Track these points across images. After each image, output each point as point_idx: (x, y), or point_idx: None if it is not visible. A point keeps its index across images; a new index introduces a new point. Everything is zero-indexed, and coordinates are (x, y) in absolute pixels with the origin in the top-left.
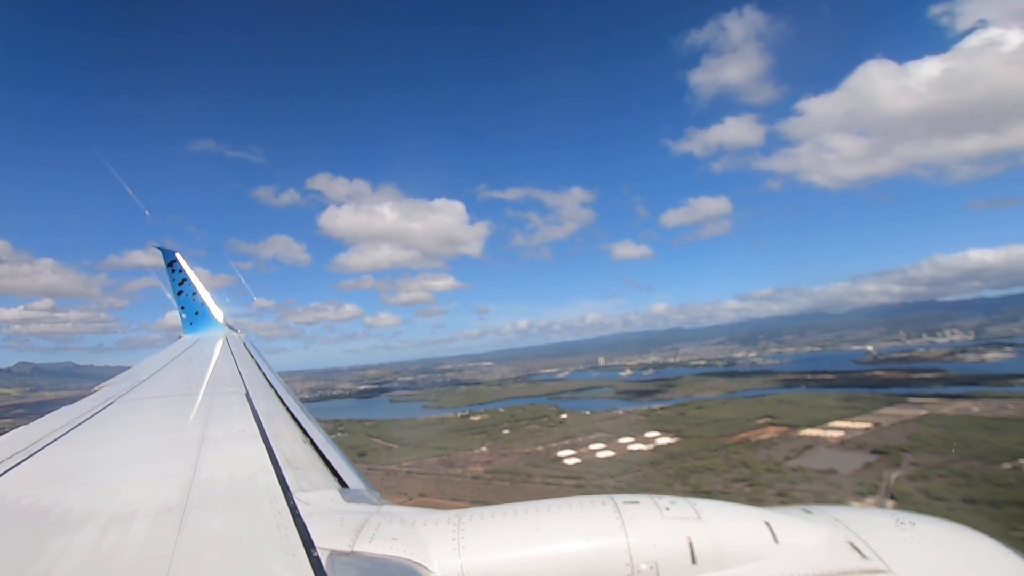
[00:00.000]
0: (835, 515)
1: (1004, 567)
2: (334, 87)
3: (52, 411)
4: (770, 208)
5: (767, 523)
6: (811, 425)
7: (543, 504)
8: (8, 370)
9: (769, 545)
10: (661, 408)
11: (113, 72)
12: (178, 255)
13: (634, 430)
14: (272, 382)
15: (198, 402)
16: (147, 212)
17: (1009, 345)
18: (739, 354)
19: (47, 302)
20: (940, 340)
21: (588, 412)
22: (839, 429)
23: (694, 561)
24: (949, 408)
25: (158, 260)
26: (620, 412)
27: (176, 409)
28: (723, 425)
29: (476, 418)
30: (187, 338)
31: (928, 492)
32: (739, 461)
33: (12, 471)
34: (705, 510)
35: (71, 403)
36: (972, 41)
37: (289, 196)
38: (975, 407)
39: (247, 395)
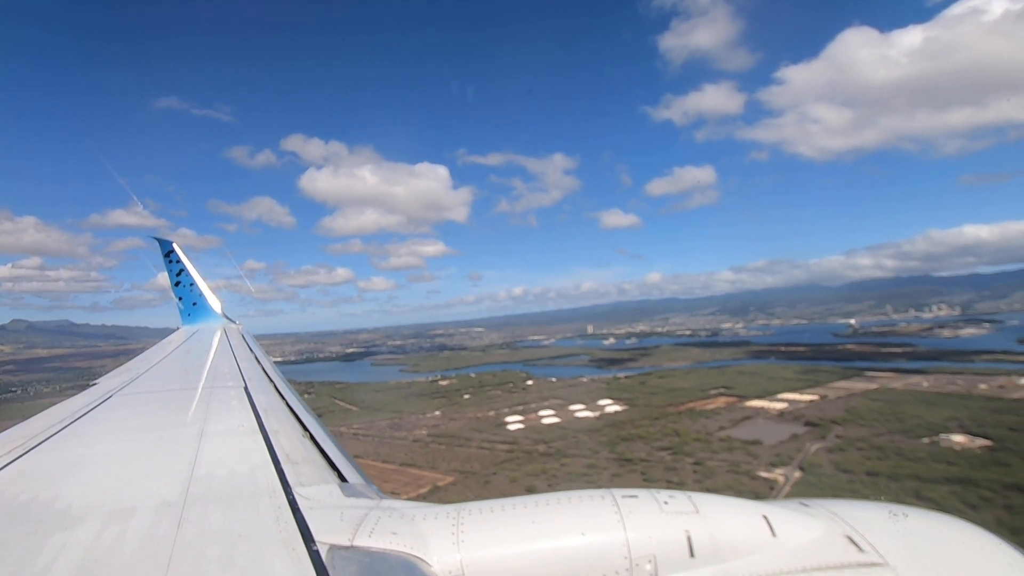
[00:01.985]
0: (832, 509)
1: (995, 557)
2: (300, 49)
3: (43, 368)
4: (758, 179)
5: (765, 517)
6: (761, 396)
7: (542, 498)
8: (2, 327)
9: (767, 539)
10: (626, 376)
11: (80, 32)
12: (175, 245)
13: (589, 398)
14: (271, 376)
15: (197, 397)
16: (141, 206)
17: (989, 322)
18: (727, 325)
19: (35, 260)
20: (926, 315)
21: (554, 379)
22: (785, 401)
23: (692, 555)
24: (900, 383)
25: (142, 220)
26: (585, 380)
27: (175, 404)
28: (677, 394)
29: (444, 383)
30: (185, 329)
31: (838, 464)
32: (672, 430)
33: (10, 466)
34: (703, 504)
35: (63, 360)
36: (956, 9)
37: (265, 157)
38: (926, 382)
39: (246, 389)
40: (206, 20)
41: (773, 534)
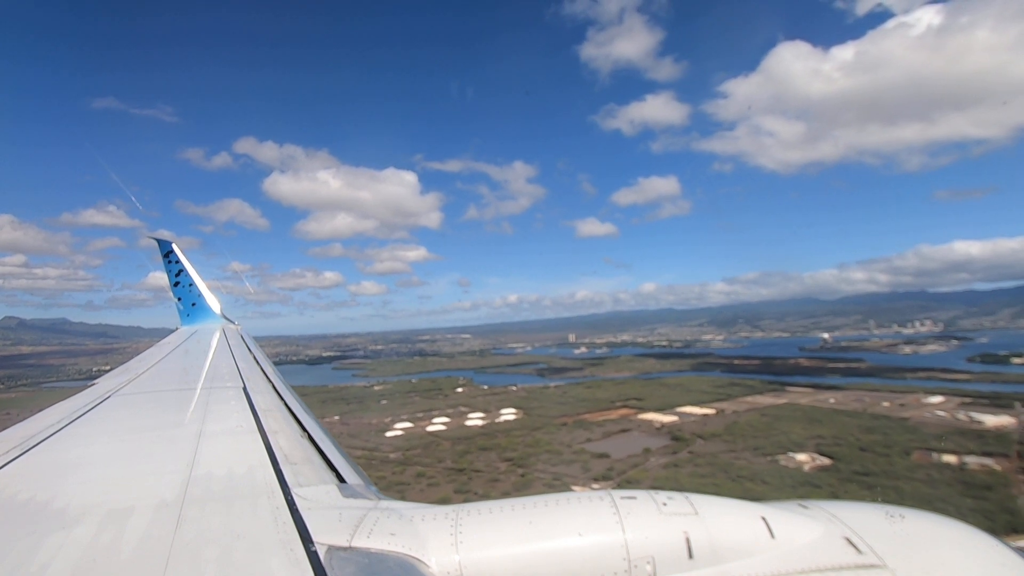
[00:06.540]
0: (831, 510)
1: (993, 558)
2: (241, 53)
3: (16, 364)
4: (726, 190)
5: (764, 518)
6: (660, 409)
7: (541, 499)
8: None
9: (766, 540)
10: (556, 386)
11: (21, 32)
12: (174, 246)
13: (496, 406)
14: (269, 376)
15: (195, 397)
16: (140, 207)
17: (960, 339)
18: (707, 336)
19: (18, 258)
20: (906, 331)
21: (486, 387)
22: (679, 414)
23: (691, 556)
24: (809, 399)
25: (117, 220)
26: (515, 388)
27: (173, 404)
28: (583, 404)
29: (378, 388)
30: (184, 330)
31: (656, 480)
32: (534, 441)
33: (9, 466)
34: (702, 505)
35: (39, 358)
36: (889, 24)
37: (221, 160)
38: (834, 398)
39: (244, 389)
40: (148, 21)
41: (772, 535)
